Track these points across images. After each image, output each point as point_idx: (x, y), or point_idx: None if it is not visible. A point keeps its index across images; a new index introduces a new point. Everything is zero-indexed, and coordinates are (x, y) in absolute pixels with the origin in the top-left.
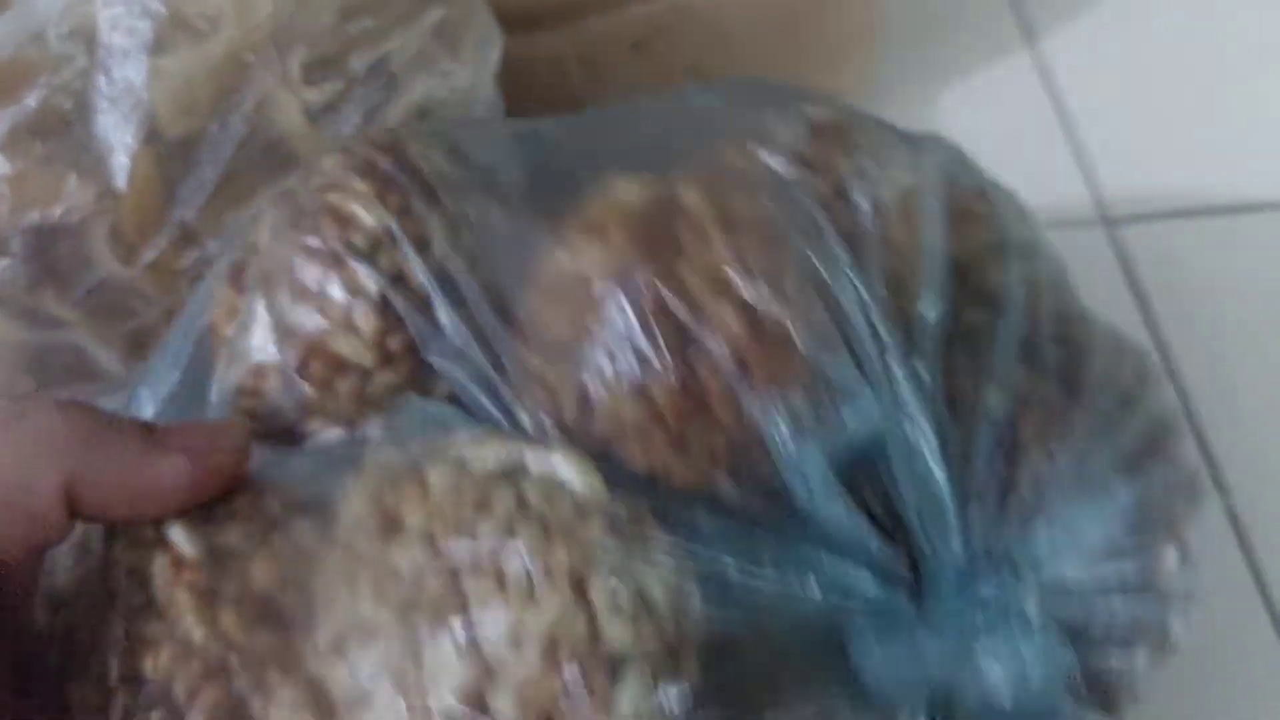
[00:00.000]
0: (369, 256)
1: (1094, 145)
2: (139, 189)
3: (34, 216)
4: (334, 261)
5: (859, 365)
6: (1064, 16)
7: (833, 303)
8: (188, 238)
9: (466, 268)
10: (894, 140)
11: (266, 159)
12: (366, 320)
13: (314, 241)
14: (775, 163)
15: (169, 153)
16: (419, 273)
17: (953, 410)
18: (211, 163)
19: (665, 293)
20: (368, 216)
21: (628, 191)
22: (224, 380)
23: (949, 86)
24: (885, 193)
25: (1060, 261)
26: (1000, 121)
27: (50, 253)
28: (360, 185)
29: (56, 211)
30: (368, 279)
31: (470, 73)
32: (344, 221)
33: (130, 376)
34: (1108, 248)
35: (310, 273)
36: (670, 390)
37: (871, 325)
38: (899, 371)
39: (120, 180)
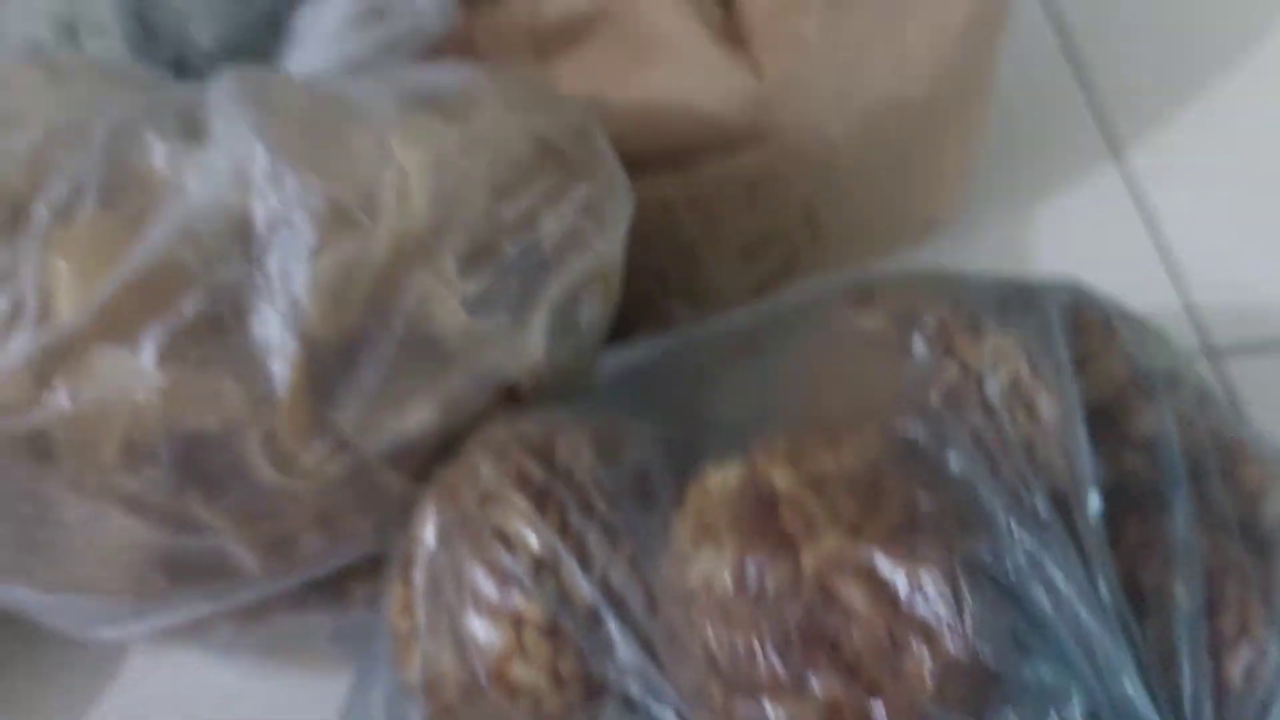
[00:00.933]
0: (535, 578)
1: (1190, 269)
2: (295, 394)
3: (187, 425)
4: (502, 585)
5: (1055, 640)
6: (1150, 129)
7: (999, 571)
8: (343, 443)
9: (628, 576)
10: (1006, 310)
11: (424, 357)
12: (538, 646)
13: (481, 561)
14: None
15: (326, 354)
16: (585, 588)
17: (1142, 610)
18: (371, 364)
19: (796, 594)
20: (530, 537)
21: (722, 482)
22: (407, 681)
23: (1039, 206)
24: (1019, 388)
25: (1205, 384)
26: (1092, 243)
27: (200, 460)
28: (519, 501)
29: (211, 420)
30: (535, 605)
31: (611, 245)
32: (508, 541)
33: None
34: (1212, 380)
35: (480, 594)
36: (836, 691)
37: (1045, 576)
38: (1093, 623)
39: (276, 384)
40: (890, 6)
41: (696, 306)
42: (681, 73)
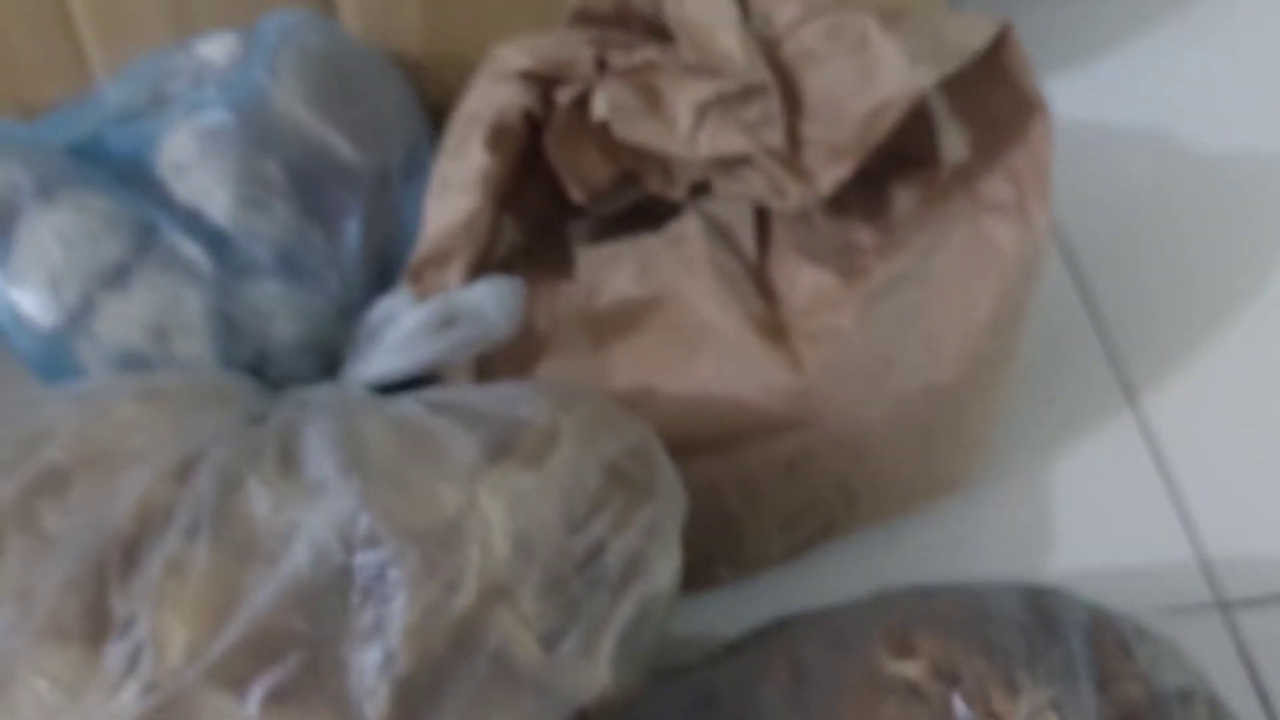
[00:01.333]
0: None
1: (1203, 520)
2: None
3: None
4: None
5: None
6: (1164, 377)
7: None
8: None
9: None
10: (1033, 646)
11: (501, 688)
12: None
13: None
14: None
15: (413, 689)
16: None
17: None
18: (454, 696)
19: None
20: None
21: None
22: None
23: (1058, 456)
24: None
25: (1215, 695)
26: (1109, 494)
27: None
28: None
29: None
30: None
31: (670, 565)
32: None
33: None
34: (1224, 634)
35: None
36: None
37: None
38: None
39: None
40: (920, 301)
41: (739, 570)
42: (727, 364)
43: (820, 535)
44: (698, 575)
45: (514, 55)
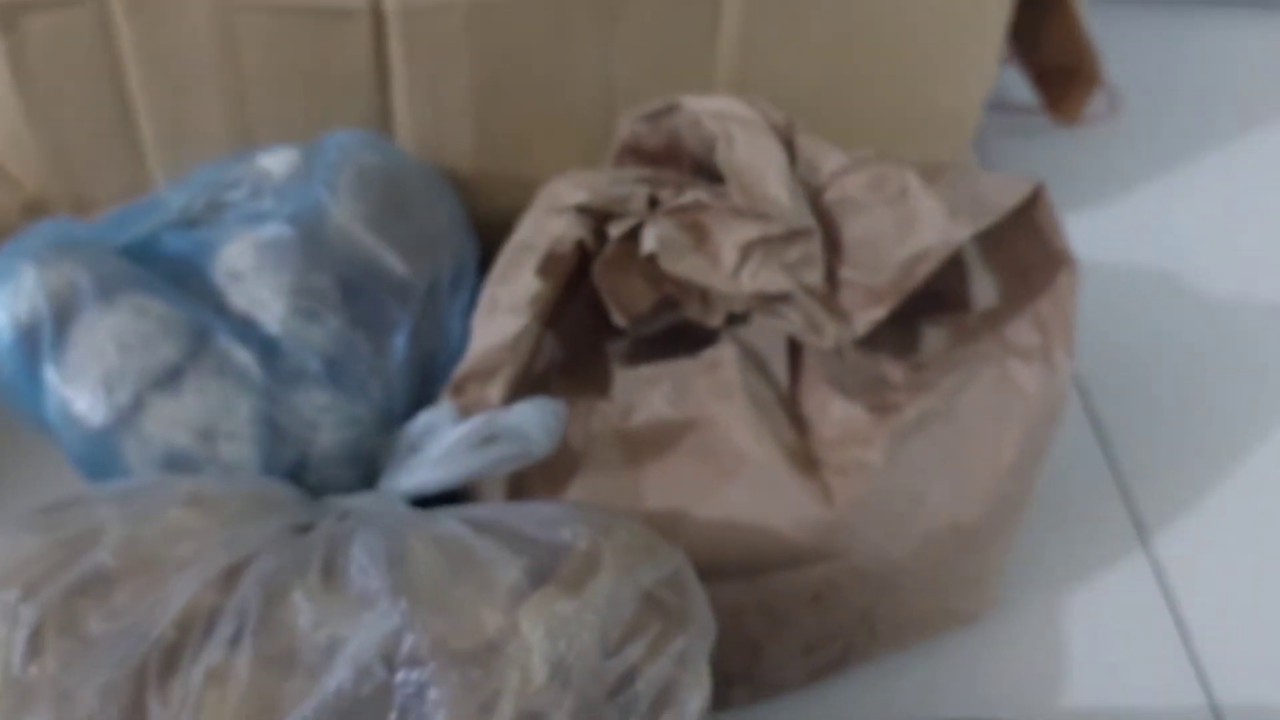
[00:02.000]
0: None
1: (1214, 666)
2: None
3: None
4: None
5: None
6: (1176, 516)
7: None
8: None
9: None
10: None
11: None
12: None
13: None
14: None
15: None
16: None
17: None
18: None
19: None
20: None
21: None
22: None
23: (1068, 593)
24: None
25: None
26: (1120, 634)
27: None
28: None
29: None
30: None
31: (700, 694)
32: None
33: None
34: None
35: None
36: None
37: None
38: None
39: None
40: (947, 440)
41: (757, 692)
42: (758, 492)
43: (839, 662)
44: (716, 695)
45: (570, 190)
